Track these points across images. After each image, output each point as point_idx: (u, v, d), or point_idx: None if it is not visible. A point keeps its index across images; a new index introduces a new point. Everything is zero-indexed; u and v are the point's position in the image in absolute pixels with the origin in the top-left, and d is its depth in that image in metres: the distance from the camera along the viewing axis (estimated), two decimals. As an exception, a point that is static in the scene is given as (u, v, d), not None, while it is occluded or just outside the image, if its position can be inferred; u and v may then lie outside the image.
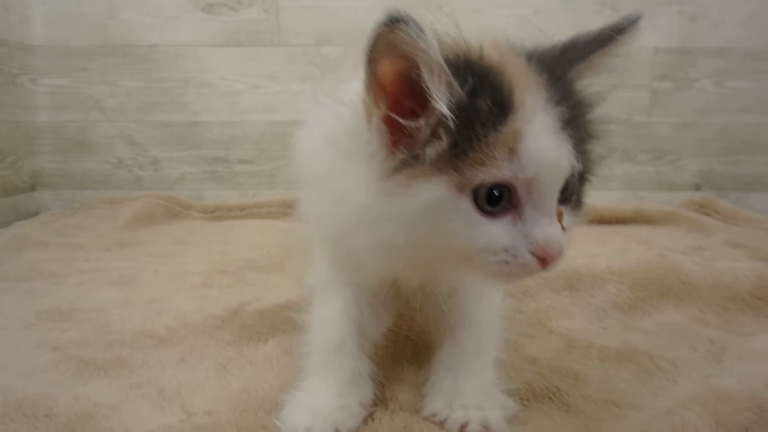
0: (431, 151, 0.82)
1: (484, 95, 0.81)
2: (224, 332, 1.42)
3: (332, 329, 1.09)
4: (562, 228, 0.87)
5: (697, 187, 3.14)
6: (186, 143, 3.08)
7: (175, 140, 3.08)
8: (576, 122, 0.86)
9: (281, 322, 1.44)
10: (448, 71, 0.79)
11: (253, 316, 1.50)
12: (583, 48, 0.93)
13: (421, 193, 0.83)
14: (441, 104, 0.79)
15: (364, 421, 1.04)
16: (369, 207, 0.88)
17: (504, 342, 1.15)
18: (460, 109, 0.80)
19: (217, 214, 2.89)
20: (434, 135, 0.82)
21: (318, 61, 2.92)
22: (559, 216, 0.87)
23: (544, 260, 0.83)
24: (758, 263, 1.77)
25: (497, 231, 0.84)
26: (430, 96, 0.79)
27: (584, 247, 2.09)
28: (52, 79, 3.01)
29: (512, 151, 0.80)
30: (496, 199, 0.83)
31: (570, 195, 0.89)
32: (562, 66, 0.90)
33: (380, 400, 1.10)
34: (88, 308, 1.57)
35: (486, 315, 1.16)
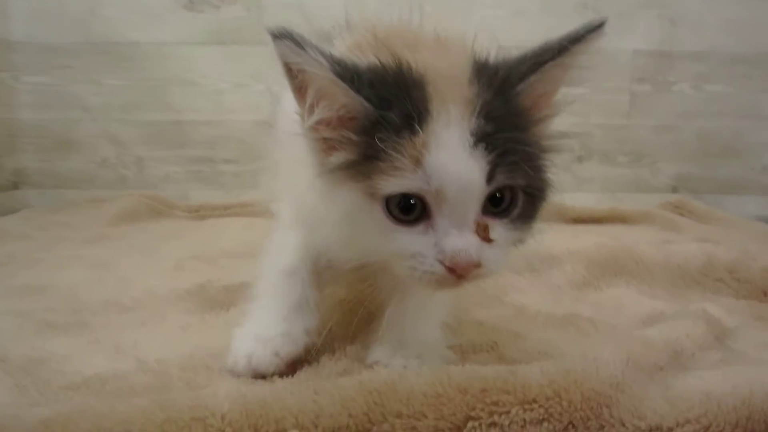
0: (336, 160, 0.87)
1: (392, 107, 0.84)
2: (187, 303, 1.47)
3: (288, 255, 1.13)
4: (488, 240, 0.88)
5: (674, 190, 3.17)
6: (170, 143, 3.08)
7: (160, 139, 3.07)
8: (508, 137, 0.85)
9: (246, 295, 1.48)
10: (342, 84, 0.82)
11: (219, 290, 1.54)
12: (535, 59, 0.91)
13: (338, 198, 0.88)
14: (316, 117, 0.85)
15: (308, 362, 1.10)
16: (315, 206, 0.94)
17: (454, 309, 1.20)
18: (367, 121, 0.84)
19: (201, 213, 2.89)
20: (343, 145, 0.87)
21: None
22: (484, 228, 0.88)
23: (454, 270, 0.86)
24: (707, 244, 1.82)
25: (407, 238, 0.87)
26: (310, 109, 0.85)
27: (556, 242, 2.13)
28: (33, 76, 3.00)
29: (417, 163, 0.82)
30: (409, 208, 0.86)
31: (507, 208, 0.89)
32: (509, 78, 0.90)
33: (329, 349, 1.15)
34: (59, 285, 1.60)
35: None
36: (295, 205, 1.12)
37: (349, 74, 0.83)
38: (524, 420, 0.84)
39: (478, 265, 0.86)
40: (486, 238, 0.87)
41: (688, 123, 3.14)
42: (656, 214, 2.71)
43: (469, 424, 0.83)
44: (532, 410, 0.85)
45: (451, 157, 0.82)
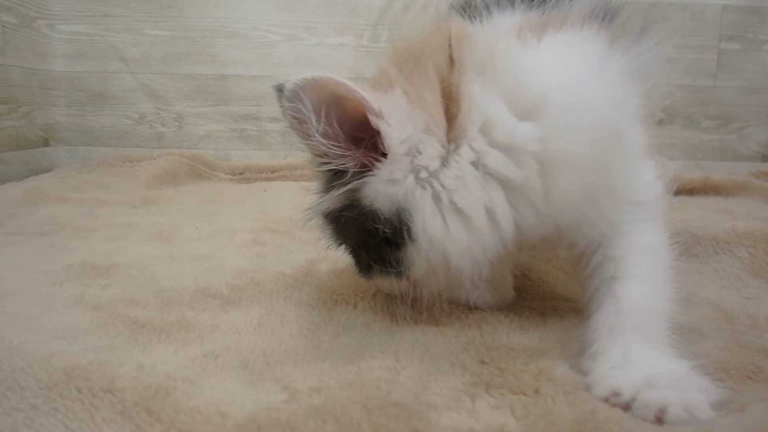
0: None
1: None
2: (301, 293, 1.20)
3: None
4: None
5: (764, 158, 2.94)
6: (213, 98, 2.89)
7: (202, 95, 2.88)
8: None
9: (363, 284, 1.19)
10: None
11: (329, 276, 1.28)
12: None
13: None
14: None
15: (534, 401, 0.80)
16: None
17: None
18: None
19: (246, 175, 2.72)
20: None
21: (360, 13, 2.72)
22: None
23: None
24: None
25: None
26: None
27: (704, 220, 1.87)
28: (70, 25, 2.80)
29: None
30: None
31: None
32: None
33: (540, 372, 0.86)
34: (127, 264, 1.36)
35: (648, 261, 0.95)
36: None
37: None
38: None
39: None
40: None
41: (781, 84, 2.91)
42: (755, 184, 2.44)
43: None
44: None
45: None
